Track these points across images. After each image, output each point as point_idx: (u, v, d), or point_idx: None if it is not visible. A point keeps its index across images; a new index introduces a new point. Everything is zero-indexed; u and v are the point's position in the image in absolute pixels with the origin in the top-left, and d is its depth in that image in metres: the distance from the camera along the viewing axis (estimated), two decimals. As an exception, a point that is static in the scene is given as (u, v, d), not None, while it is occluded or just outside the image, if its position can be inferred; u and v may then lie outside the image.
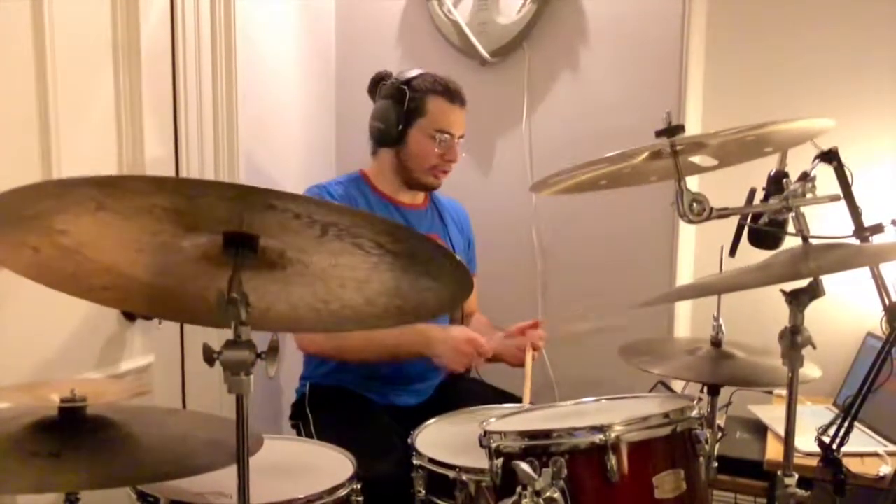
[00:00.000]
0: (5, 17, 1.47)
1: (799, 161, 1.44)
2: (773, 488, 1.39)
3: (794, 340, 1.32)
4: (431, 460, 1.50)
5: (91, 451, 1.09)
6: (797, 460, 1.46)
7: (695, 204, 1.22)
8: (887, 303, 1.48)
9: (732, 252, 1.53)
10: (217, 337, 0.99)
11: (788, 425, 1.37)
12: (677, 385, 2.02)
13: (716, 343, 1.67)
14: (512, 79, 2.45)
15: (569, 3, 2.38)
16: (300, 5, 2.46)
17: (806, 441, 1.68)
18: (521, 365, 1.90)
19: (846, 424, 1.48)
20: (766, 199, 1.42)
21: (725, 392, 1.78)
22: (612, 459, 1.19)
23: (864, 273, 1.45)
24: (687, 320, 2.50)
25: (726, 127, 1.22)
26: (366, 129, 2.04)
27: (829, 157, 1.47)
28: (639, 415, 1.25)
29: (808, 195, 1.32)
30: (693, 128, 2.37)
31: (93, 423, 1.14)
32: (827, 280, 1.29)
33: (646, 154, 1.31)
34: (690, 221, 1.23)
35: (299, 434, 1.93)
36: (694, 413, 1.30)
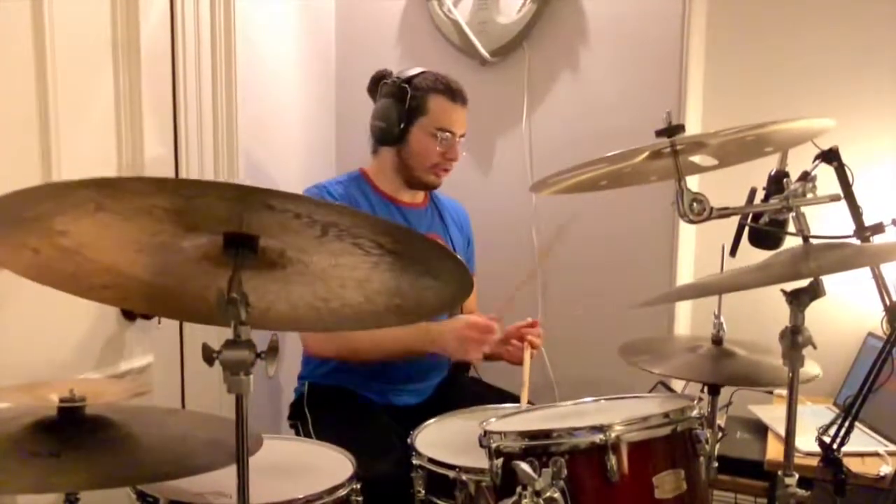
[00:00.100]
0: (5, 17, 1.47)
1: (799, 161, 1.44)
2: (774, 488, 1.39)
3: (794, 340, 1.32)
4: (431, 460, 1.50)
5: (91, 451, 1.09)
6: (797, 460, 1.46)
7: (695, 204, 1.22)
8: (888, 303, 1.48)
9: (733, 252, 1.53)
10: (217, 336, 0.99)
11: (789, 425, 1.37)
12: (677, 385, 2.02)
13: (717, 341, 1.67)
14: (512, 79, 2.45)
15: (569, 3, 2.38)
16: (300, 6, 2.46)
17: (806, 441, 1.68)
18: (520, 362, 1.90)
19: (847, 424, 1.48)
20: (766, 198, 1.42)
21: (726, 392, 1.78)
22: (612, 459, 1.19)
23: (864, 273, 1.44)
24: (687, 320, 2.50)
25: (726, 127, 1.22)
26: (366, 129, 2.04)
27: (830, 156, 1.47)
28: (639, 415, 1.25)
29: (809, 195, 1.32)
30: (693, 128, 2.37)
31: (92, 423, 1.14)
32: (827, 280, 1.29)
33: (646, 154, 1.31)
34: (691, 221, 1.23)
35: (298, 434, 1.93)
36: (694, 413, 1.30)
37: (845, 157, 1.48)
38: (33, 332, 1.55)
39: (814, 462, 1.58)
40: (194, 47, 1.93)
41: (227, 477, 1.06)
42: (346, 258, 1.03)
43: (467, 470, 1.45)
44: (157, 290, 1.15)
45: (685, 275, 2.41)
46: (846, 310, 2.31)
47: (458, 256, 1.10)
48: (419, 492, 1.51)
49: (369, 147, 2.07)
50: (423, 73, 1.99)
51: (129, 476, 1.11)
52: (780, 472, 1.38)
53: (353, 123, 2.52)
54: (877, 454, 1.89)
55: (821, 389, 2.19)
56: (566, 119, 2.41)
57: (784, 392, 1.38)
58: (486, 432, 1.30)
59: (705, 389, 1.71)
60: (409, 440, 1.60)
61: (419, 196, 2.11)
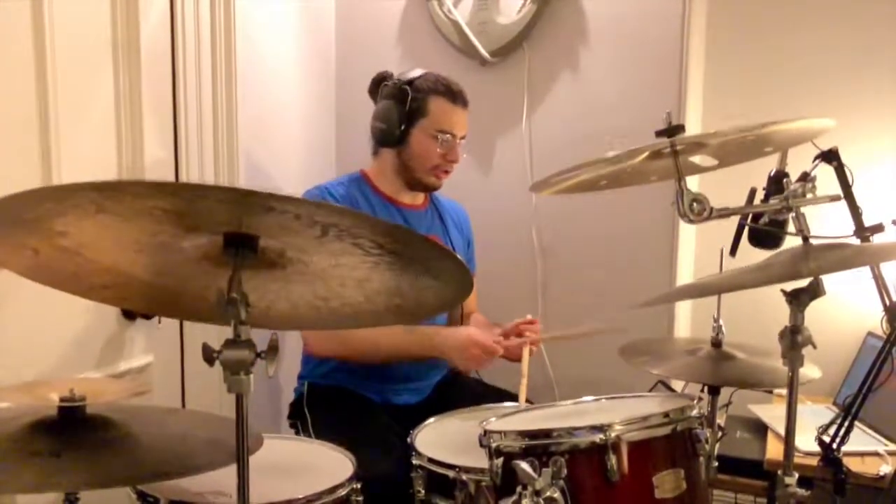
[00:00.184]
0: (5, 17, 1.47)
1: (799, 161, 1.44)
2: (774, 488, 1.39)
3: (794, 340, 1.32)
4: (431, 460, 1.50)
5: (91, 450, 1.09)
6: (797, 460, 1.46)
7: (695, 204, 1.22)
8: (887, 302, 1.48)
9: (733, 252, 1.53)
10: (216, 336, 0.99)
11: (789, 425, 1.37)
12: (677, 385, 2.02)
13: (716, 344, 1.67)
14: (512, 79, 2.45)
15: (569, 3, 2.38)
16: (300, 5, 2.46)
17: (806, 440, 1.68)
18: (519, 359, 1.90)
19: (846, 424, 1.48)
20: (766, 199, 1.42)
21: (725, 391, 1.78)
22: (613, 459, 1.19)
23: (864, 273, 1.45)
24: (687, 320, 2.50)
25: (726, 127, 1.22)
26: (366, 130, 2.04)
27: (830, 157, 1.48)
28: (639, 414, 1.25)
29: (809, 195, 1.32)
30: (693, 128, 2.37)
31: (92, 422, 1.14)
32: (827, 280, 1.29)
33: (646, 154, 1.31)
34: (690, 221, 1.23)
35: (297, 434, 1.93)
36: (694, 412, 1.30)
37: (845, 157, 1.48)
38: (33, 332, 1.55)
39: (814, 461, 1.58)
40: (194, 47, 1.93)
41: (227, 476, 1.06)
42: (346, 258, 1.03)
43: (467, 470, 1.45)
44: (157, 289, 1.15)
45: (685, 275, 2.41)
46: (846, 309, 2.31)
47: (458, 256, 1.10)
48: (419, 491, 1.51)
49: (370, 148, 2.07)
50: (423, 74, 1.99)
51: (129, 476, 1.11)
52: (779, 472, 1.38)
53: (353, 123, 2.52)
54: (876, 454, 1.89)
55: (820, 389, 2.19)
56: (566, 119, 2.41)
57: (784, 391, 1.38)
58: (485, 432, 1.30)
59: (705, 389, 1.71)
60: (408, 440, 1.60)
61: (419, 197, 2.11)
